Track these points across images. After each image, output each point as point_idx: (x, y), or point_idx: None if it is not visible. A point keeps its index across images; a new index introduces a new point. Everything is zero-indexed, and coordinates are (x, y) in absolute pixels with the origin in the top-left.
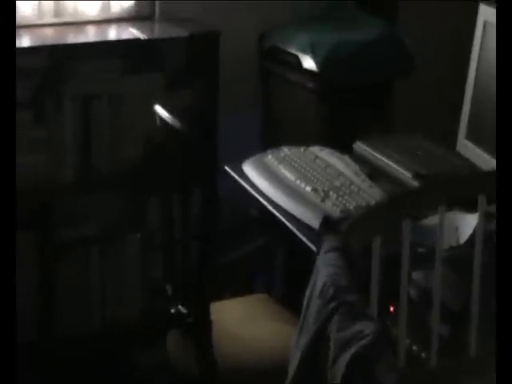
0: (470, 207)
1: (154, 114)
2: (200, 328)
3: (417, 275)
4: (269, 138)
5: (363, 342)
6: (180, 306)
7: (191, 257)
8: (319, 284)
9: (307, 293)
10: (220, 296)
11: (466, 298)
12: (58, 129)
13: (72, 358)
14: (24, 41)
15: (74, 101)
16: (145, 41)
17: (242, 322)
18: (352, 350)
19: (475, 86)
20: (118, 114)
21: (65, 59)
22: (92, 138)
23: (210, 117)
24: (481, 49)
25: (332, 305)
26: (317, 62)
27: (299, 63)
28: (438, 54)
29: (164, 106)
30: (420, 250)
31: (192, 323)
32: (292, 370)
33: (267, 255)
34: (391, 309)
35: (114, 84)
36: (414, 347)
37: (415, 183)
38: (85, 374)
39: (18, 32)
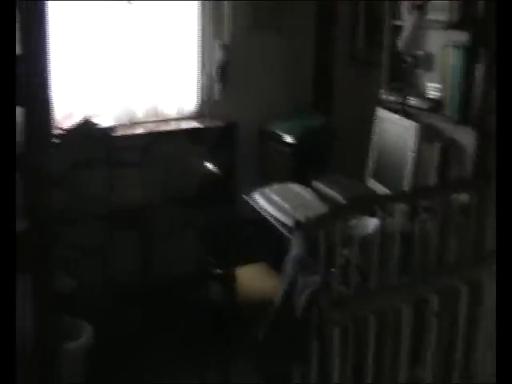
0: (373, 214)
1: (204, 165)
2: (229, 279)
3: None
4: (265, 179)
5: (314, 287)
6: (218, 269)
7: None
8: (292, 255)
9: (285, 260)
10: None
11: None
12: (151, 173)
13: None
14: (138, 130)
15: (162, 158)
16: (201, 128)
17: (252, 277)
18: (308, 290)
19: (377, 147)
20: (186, 165)
21: (158, 139)
22: (170, 176)
23: (232, 168)
24: (378, 130)
25: (299, 266)
26: (293, 139)
27: (281, 138)
28: (351, 131)
29: (208, 162)
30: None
31: (224, 277)
32: (277, 299)
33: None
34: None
35: (183, 150)
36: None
37: (345, 201)
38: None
39: (138, 125)
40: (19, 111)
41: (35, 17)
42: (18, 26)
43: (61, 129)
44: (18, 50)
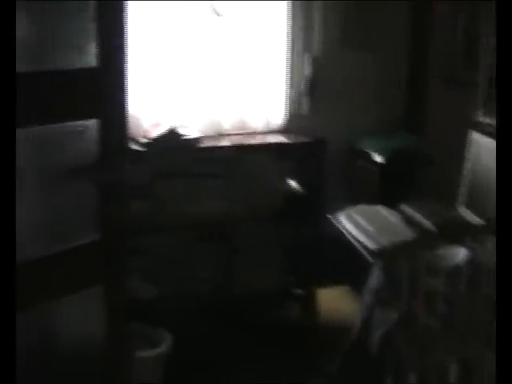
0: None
1: (289, 182)
2: (309, 300)
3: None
4: (351, 198)
5: (391, 324)
6: (299, 289)
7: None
8: (370, 285)
9: (364, 289)
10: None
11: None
12: (235, 186)
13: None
14: (224, 142)
15: (246, 172)
16: (287, 143)
17: (333, 301)
18: (384, 327)
19: (470, 173)
20: (271, 181)
21: (243, 152)
22: (253, 191)
23: (318, 185)
24: (472, 155)
25: (376, 298)
26: (384, 159)
27: (370, 157)
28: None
29: (294, 178)
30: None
31: (304, 298)
32: (353, 331)
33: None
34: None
35: (268, 165)
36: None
37: (434, 228)
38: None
39: (223, 137)
40: (94, 123)
41: (114, 28)
42: (95, 38)
43: (147, 137)
44: (95, 62)
